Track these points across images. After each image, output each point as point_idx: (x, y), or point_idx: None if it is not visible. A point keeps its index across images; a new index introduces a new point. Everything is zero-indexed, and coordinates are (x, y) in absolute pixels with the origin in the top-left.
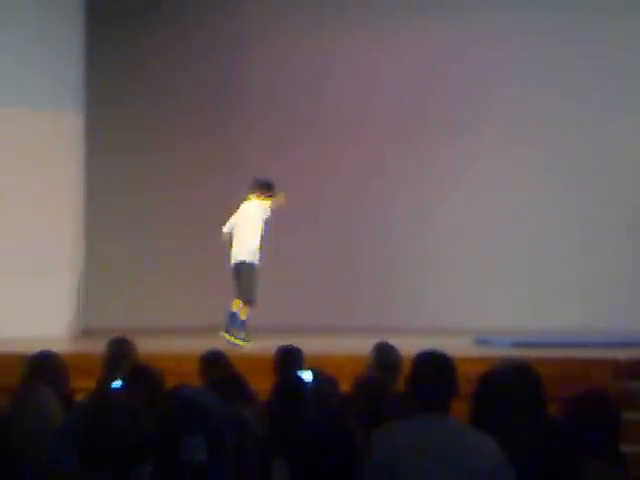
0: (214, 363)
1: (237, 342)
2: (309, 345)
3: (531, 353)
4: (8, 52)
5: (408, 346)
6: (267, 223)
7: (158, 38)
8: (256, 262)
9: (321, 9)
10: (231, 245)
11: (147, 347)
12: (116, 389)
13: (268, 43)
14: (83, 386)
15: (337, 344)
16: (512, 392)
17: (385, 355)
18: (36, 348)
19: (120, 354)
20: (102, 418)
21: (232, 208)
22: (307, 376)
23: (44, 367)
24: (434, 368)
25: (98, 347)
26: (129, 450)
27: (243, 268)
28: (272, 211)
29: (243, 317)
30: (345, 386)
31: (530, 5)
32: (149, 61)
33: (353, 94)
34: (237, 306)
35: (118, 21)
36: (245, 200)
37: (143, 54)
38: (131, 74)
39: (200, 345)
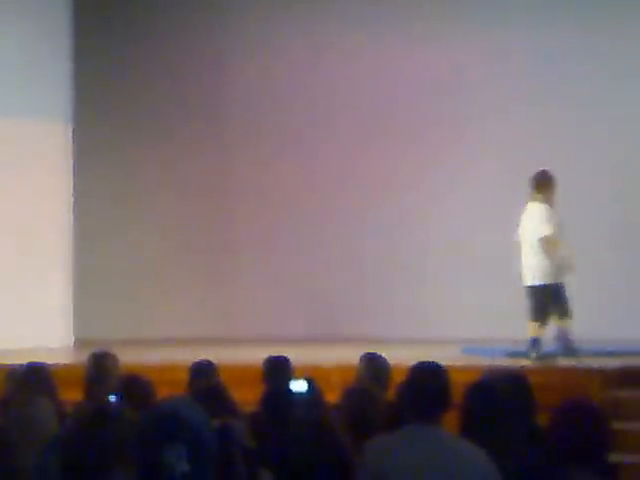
0: (201, 373)
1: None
2: (297, 355)
3: (520, 363)
4: None
5: (397, 356)
6: None
7: (146, 49)
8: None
9: (308, 19)
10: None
11: (140, 358)
12: (111, 402)
13: (253, 53)
14: (74, 398)
15: (325, 354)
16: (501, 401)
17: (374, 366)
18: (27, 360)
19: (102, 368)
20: (83, 428)
21: (222, 218)
22: (301, 386)
23: (32, 379)
24: (429, 380)
25: (87, 358)
26: (111, 460)
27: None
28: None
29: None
30: (333, 396)
31: (525, 7)
32: (137, 71)
33: (339, 102)
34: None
35: (105, 32)
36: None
37: (131, 64)
38: (119, 84)
39: (194, 356)
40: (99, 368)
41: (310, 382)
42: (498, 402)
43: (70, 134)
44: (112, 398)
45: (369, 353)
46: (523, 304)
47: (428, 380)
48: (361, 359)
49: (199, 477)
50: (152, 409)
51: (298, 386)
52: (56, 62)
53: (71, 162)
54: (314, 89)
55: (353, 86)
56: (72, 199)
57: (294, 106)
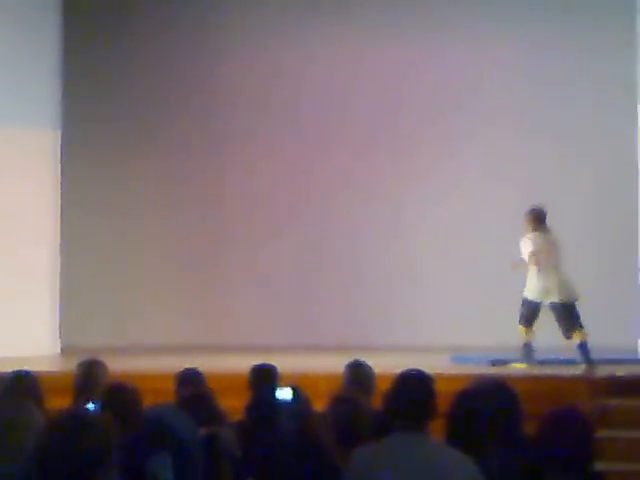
0: (187, 382)
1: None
2: (284, 363)
3: (507, 370)
4: None
5: (385, 364)
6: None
7: (137, 55)
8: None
9: (304, 24)
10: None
11: (127, 365)
12: (90, 411)
13: (246, 59)
14: (60, 405)
15: (312, 362)
16: (487, 410)
17: (358, 373)
18: (13, 368)
19: (91, 376)
20: (55, 434)
21: (210, 227)
22: (286, 394)
23: (19, 386)
24: (416, 388)
25: (76, 366)
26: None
27: None
28: None
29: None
30: (320, 404)
31: (513, 8)
32: (127, 78)
33: (334, 109)
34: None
35: (95, 39)
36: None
37: (121, 72)
38: (108, 91)
39: (180, 364)
40: (88, 376)
41: (296, 390)
42: (484, 410)
43: (58, 142)
44: (90, 406)
45: (354, 361)
46: (514, 311)
47: (414, 388)
48: (346, 367)
49: None
50: (137, 417)
51: (284, 394)
52: (44, 69)
53: (59, 170)
54: (309, 94)
55: (349, 92)
56: (59, 208)
57: (288, 113)
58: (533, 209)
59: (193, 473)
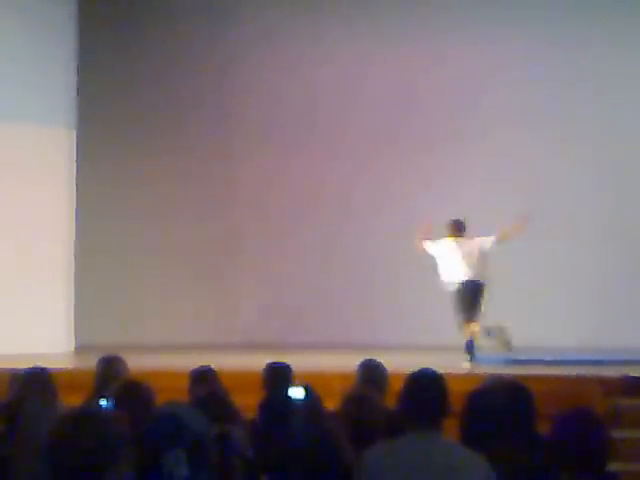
0: (201, 380)
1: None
2: (298, 362)
3: (521, 371)
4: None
5: (398, 363)
6: None
7: (152, 55)
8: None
9: (316, 30)
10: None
11: (141, 363)
12: (104, 407)
13: (258, 64)
14: (74, 403)
15: (326, 361)
16: (501, 410)
17: (371, 372)
18: (29, 365)
19: (110, 372)
20: (65, 429)
21: (223, 227)
22: (299, 392)
23: (34, 383)
24: (428, 387)
25: (91, 364)
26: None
27: None
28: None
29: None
30: (334, 403)
31: (519, 8)
32: (142, 79)
33: (345, 114)
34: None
35: (110, 39)
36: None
37: (135, 72)
38: (124, 91)
39: (196, 362)
40: (108, 372)
41: (308, 389)
42: (498, 410)
43: (74, 141)
44: (103, 402)
45: (367, 359)
46: (528, 310)
47: (428, 387)
48: (359, 366)
49: None
50: (153, 414)
51: (296, 393)
52: (60, 68)
53: (74, 169)
54: (321, 100)
55: (362, 98)
56: (74, 206)
57: (300, 114)
58: (454, 219)
59: (207, 471)
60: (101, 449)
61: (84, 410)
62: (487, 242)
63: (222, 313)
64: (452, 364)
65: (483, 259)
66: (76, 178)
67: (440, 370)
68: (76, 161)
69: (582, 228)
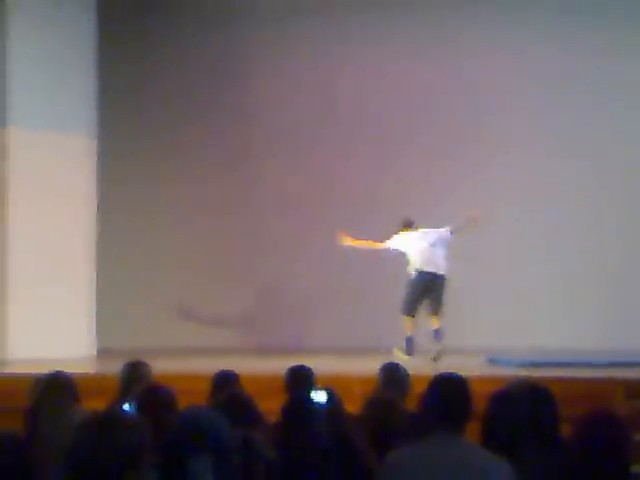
0: (223, 384)
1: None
2: (319, 365)
3: (542, 373)
4: (22, 76)
5: (418, 366)
6: None
7: (171, 64)
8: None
9: (331, 35)
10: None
11: (162, 368)
12: (126, 412)
13: (275, 67)
14: (96, 407)
15: (348, 364)
16: (524, 412)
17: (393, 375)
18: (51, 369)
19: (135, 377)
20: (87, 433)
21: (244, 229)
22: (321, 396)
23: (56, 388)
24: (452, 390)
25: (113, 368)
26: (117, 467)
27: None
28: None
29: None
30: (355, 406)
31: (531, 13)
32: (162, 86)
33: (360, 118)
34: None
35: (130, 47)
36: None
37: (156, 79)
38: (145, 98)
39: (216, 366)
40: (134, 376)
41: (330, 392)
42: (520, 412)
43: (95, 149)
44: (126, 407)
45: (388, 363)
46: (543, 314)
47: (452, 390)
48: (381, 369)
49: None
50: (178, 419)
51: (318, 396)
52: (81, 76)
53: (95, 175)
54: (336, 104)
55: (376, 102)
56: (96, 211)
57: (313, 122)
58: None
59: (232, 475)
60: (122, 454)
61: (106, 415)
62: (443, 232)
63: (242, 317)
64: (472, 366)
65: (443, 251)
66: (97, 185)
67: (462, 372)
68: (97, 167)
69: (606, 224)
